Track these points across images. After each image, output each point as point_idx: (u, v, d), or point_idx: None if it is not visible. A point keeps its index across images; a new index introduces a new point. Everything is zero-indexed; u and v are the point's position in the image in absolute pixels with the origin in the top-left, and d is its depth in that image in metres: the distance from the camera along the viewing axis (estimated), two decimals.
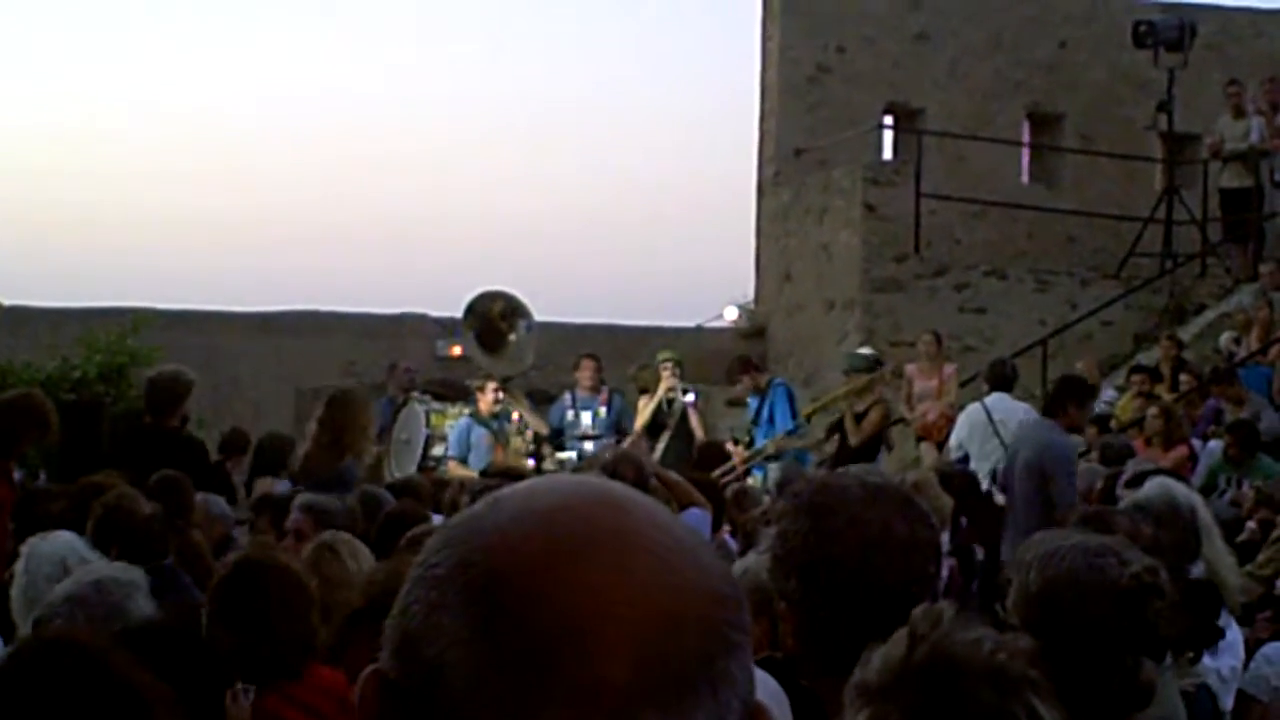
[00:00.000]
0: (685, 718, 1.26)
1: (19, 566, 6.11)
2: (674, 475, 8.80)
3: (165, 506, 7.33)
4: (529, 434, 15.75)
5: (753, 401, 16.65)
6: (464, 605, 1.27)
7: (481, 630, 1.26)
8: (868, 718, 2.62)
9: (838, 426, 16.01)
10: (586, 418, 16.17)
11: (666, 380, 16.51)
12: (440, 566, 1.31)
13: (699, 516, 8.43)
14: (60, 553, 6.10)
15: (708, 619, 1.30)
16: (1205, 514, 6.40)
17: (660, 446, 16.20)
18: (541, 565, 1.27)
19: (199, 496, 8.86)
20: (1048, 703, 2.54)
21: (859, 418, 15.77)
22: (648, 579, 1.28)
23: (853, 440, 15.56)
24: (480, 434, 15.43)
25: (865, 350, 17.60)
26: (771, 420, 16.39)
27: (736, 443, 16.32)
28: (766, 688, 5.19)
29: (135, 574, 5.38)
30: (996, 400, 14.72)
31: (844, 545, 2.92)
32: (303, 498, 8.44)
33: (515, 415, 15.72)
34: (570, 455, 15.61)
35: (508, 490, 1.37)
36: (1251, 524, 11.79)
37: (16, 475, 13.06)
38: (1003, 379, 15.08)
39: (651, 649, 1.25)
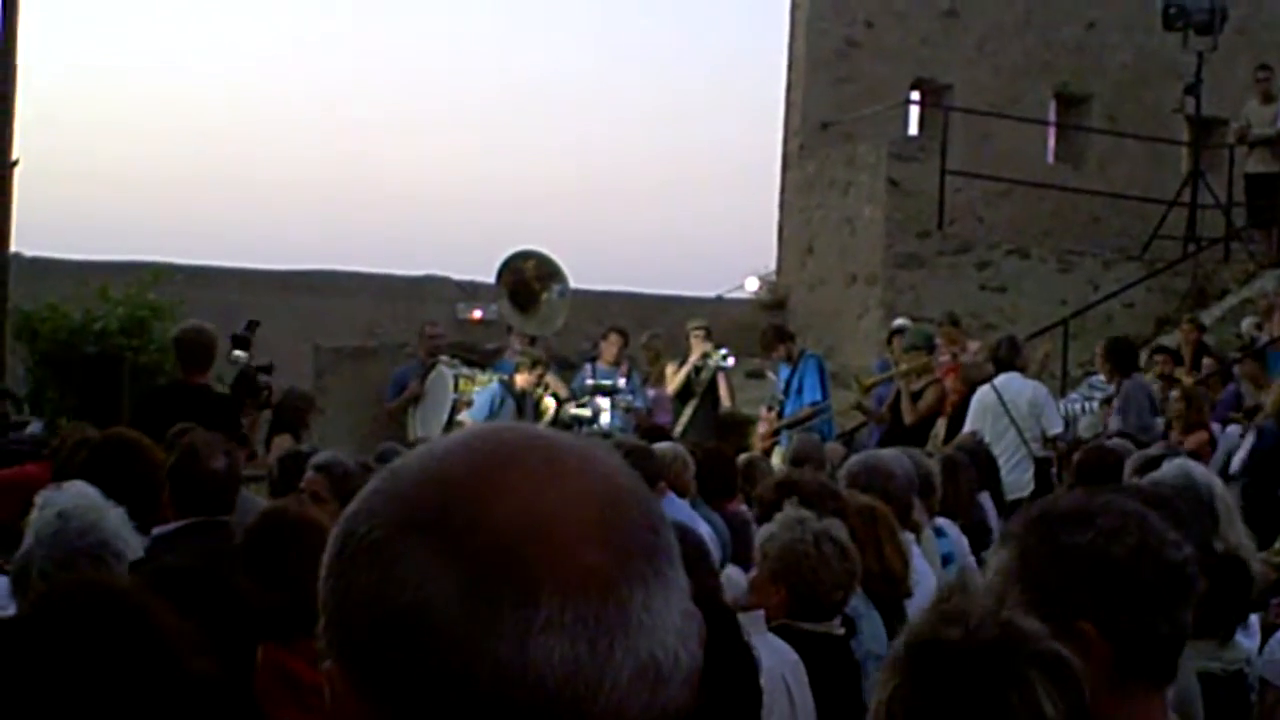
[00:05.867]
0: (664, 585, 1.32)
1: (34, 517, 6.08)
2: None
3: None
4: (549, 402, 15.76)
5: (784, 371, 16.65)
6: (421, 544, 1.29)
7: (449, 556, 1.27)
8: (880, 678, 2.65)
9: (894, 405, 15.96)
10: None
11: (698, 347, 16.52)
12: (376, 530, 1.32)
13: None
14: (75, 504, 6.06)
15: (639, 494, 1.36)
16: (1226, 496, 6.39)
17: (687, 413, 16.25)
18: (479, 481, 1.31)
19: None
20: (1061, 687, 2.54)
21: (915, 396, 15.73)
22: (579, 468, 1.34)
23: (908, 419, 15.52)
24: (510, 406, 15.43)
25: (903, 320, 17.58)
26: (800, 391, 16.40)
27: (769, 409, 16.36)
28: (785, 657, 5.21)
29: (90, 490, 5.38)
30: (1006, 380, 14.62)
31: None
32: (317, 457, 8.37)
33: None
34: (585, 412, 15.63)
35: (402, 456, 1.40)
36: None
37: (39, 426, 13.14)
38: (1010, 359, 14.96)
39: (610, 528, 1.31)
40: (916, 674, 2.59)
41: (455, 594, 1.26)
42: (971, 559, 8.65)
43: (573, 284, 17.53)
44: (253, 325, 13.72)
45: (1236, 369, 16.59)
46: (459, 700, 1.26)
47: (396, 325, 19.98)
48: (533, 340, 16.18)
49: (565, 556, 1.27)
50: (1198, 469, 6.66)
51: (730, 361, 16.57)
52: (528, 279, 16.33)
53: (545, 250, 16.76)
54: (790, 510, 5.85)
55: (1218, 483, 6.61)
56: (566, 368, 17.18)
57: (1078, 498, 3.28)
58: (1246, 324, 18.65)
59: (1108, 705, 2.66)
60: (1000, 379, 14.64)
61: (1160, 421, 13.91)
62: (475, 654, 1.25)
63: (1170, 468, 6.46)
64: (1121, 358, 14.90)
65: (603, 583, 1.28)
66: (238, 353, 12.75)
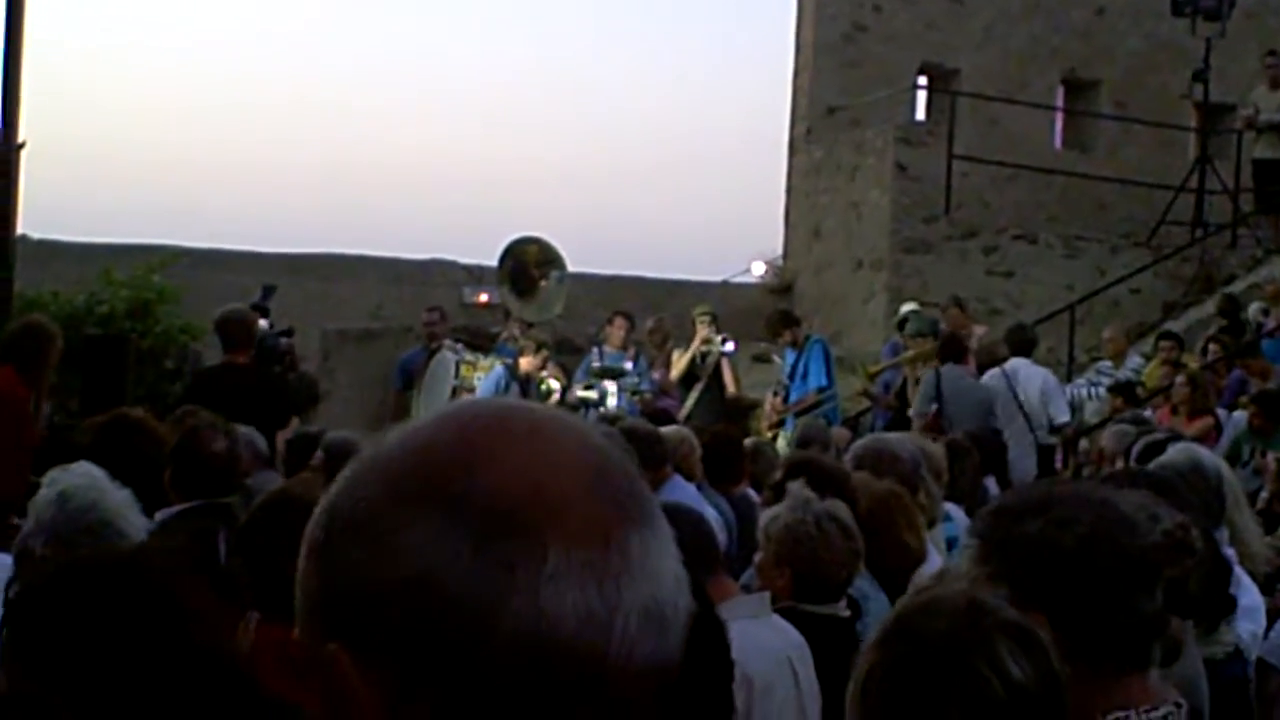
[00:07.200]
0: (656, 533, 1.34)
1: (38, 497, 6.06)
2: None
3: None
4: (553, 385, 15.76)
5: (789, 356, 16.66)
6: (418, 515, 1.29)
7: (452, 523, 1.28)
8: (855, 672, 2.68)
9: (901, 391, 15.96)
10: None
11: (702, 332, 16.53)
12: (362, 506, 1.32)
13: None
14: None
15: (617, 455, 1.38)
16: (1233, 481, 6.40)
17: (692, 398, 16.25)
18: (466, 450, 1.31)
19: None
20: (1028, 652, 2.57)
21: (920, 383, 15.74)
22: (561, 432, 1.36)
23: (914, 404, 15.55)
24: (515, 390, 15.43)
25: (912, 306, 17.58)
26: (805, 376, 16.42)
27: (775, 395, 16.37)
28: (790, 639, 5.21)
29: (92, 468, 5.36)
30: (1017, 366, 14.69)
31: None
32: (327, 437, 8.39)
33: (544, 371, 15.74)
34: (592, 394, 15.64)
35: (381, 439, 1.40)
36: (1265, 494, 11.74)
37: (46, 409, 13.15)
38: (1023, 344, 15.05)
39: (600, 483, 1.32)
40: (886, 656, 2.62)
41: (465, 557, 1.26)
42: None
43: (580, 268, 17.52)
44: (269, 290, 13.82)
45: (1237, 363, 16.55)
46: (478, 662, 1.27)
47: (403, 308, 19.99)
48: (530, 325, 16.19)
49: (564, 510, 1.29)
50: (1205, 454, 6.66)
51: (730, 346, 16.56)
52: (528, 265, 16.34)
53: (547, 237, 16.78)
54: (794, 492, 5.86)
55: (1225, 467, 6.62)
56: (573, 352, 17.18)
57: (1038, 488, 3.32)
58: (1253, 310, 18.62)
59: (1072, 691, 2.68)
60: (1010, 364, 14.71)
61: (934, 407, 13.99)
62: (491, 613, 1.26)
63: (1178, 453, 6.45)
64: (944, 348, 14.90)
65: (603, 530, 1.30)
66: (261, 322, 12.87)
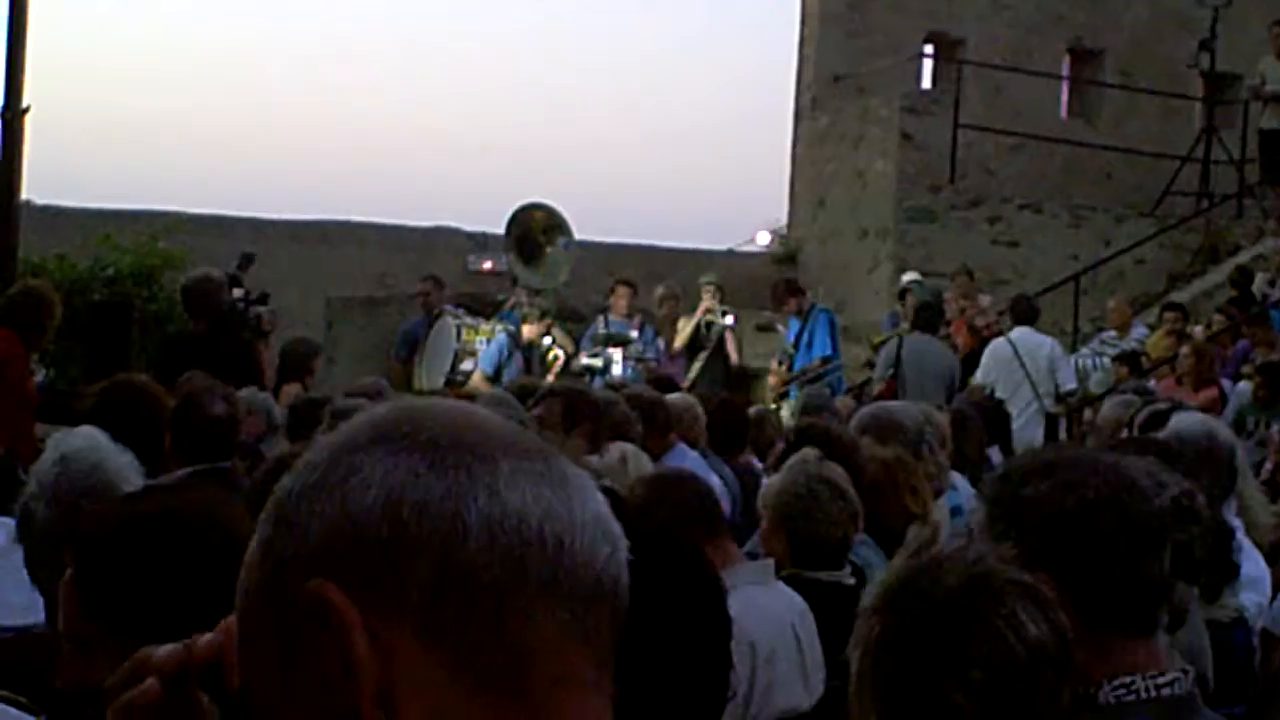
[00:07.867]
0: (582, 472, 1.41)
1: (39, 461, 6.05)
2: None
3: None
4: (558, 352, 15.76)
5: (794, 325, 16.68)
6: (372, 453, 1.33)
7: (405, 451, 1.33)
8: (856, 633, 2.66)
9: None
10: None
11: (706, 302, 16.55)
12: (315, 468, 1.35)
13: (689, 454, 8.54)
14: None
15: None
16: (1240, 452, 6.40)
17: (696, 367, 16.27)
18: (405, 417, 1.37)
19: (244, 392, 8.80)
20: (1041, 610, 2.56)
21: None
22: (467, 406, 1.44)
23: None
24: (517, 357, 15.45)
25: (913, 276, 17.62)
26: (810, 345, 16.45)
27: (780, 364, 16.40)
28: (793, 605, 5.21)
29: (95, 431, 5.35)
30: (1021, 335, 14.75)
31: None
32: (334, 404, 8.36)
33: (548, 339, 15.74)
34: (597, 362, 15.65)
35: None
36: (1269, 465, 11.74)
37: (43, 375, 13.15)
38: (1026, 314, 15.10)
39: (522, 431, 1.41)
40: (896, 620, 2.61)
41: (423, 474, 1.31)
42: None
43: (585, 236, 17.50)
44: (246, 261, 13.77)
45: (1244, 332, 16.55)
46: (452, 566, 1.29)
47: (407, 276, 19.94)
48: (536, 292, 16.21)
49: (502, 436, 1.37)
50: (1220, 425, 6.66)
51: (729, 319, 16.58)
52: (534, 231, 16.34)
53: (553, 203, 16.78)
54: (793, 459, 5.88)
55: (1235, 439, 6.61)
56: (577, 320, 17.17)
57: (1045, 452, 3.30)
58: (1259, 281, 18.59)
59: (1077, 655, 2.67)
60: (1015, 333, 14.76)
61: (891, 373, 14.24)
62: (458, 510, 1.30)
63: (1194, 424, 6.43)
64: (916, 315, 15.04)
65: (537, 449, 1.38)
66: (235, 290, 12.83)
